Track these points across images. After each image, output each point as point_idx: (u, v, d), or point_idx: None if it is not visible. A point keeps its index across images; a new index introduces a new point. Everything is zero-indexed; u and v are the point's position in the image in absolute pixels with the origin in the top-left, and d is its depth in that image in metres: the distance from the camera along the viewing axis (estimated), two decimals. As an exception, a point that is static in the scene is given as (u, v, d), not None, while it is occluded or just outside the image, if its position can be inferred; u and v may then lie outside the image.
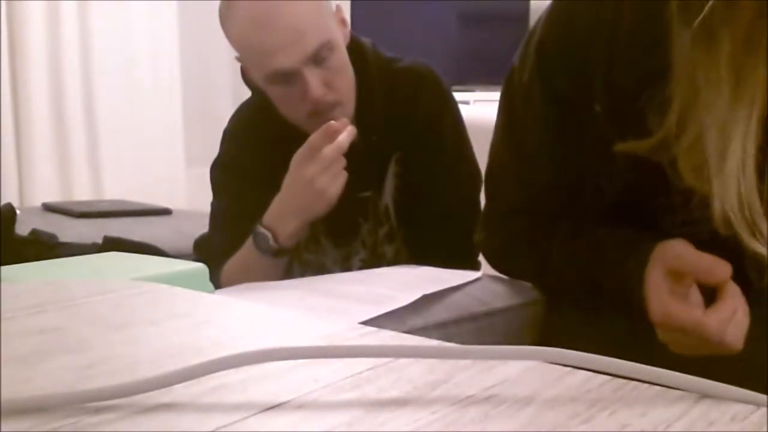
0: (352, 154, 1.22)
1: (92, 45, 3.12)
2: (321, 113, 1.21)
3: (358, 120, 1.27)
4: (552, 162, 0.99)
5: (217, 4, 1.26)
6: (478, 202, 1.36)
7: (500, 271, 1.10)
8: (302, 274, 1.32)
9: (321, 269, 1.34)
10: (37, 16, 2.99)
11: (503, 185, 1.06)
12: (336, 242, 1.33)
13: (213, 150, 1.39)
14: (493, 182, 1.09)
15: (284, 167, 1.21)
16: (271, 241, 1.19)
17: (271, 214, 1.20)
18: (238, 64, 1.30)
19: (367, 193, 1.31)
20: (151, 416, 0.34)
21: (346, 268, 1.34)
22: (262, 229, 1.20)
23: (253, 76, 1.27)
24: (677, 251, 0.86)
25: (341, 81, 1.24)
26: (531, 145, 1.00)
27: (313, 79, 1.19)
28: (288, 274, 1.28)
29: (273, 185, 1.22)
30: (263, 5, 1.18)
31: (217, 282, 1.22)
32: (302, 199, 1.18)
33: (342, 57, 1.24)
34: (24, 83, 2.98)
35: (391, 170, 1.31)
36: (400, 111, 1.29)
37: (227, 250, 1.27)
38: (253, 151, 1.32)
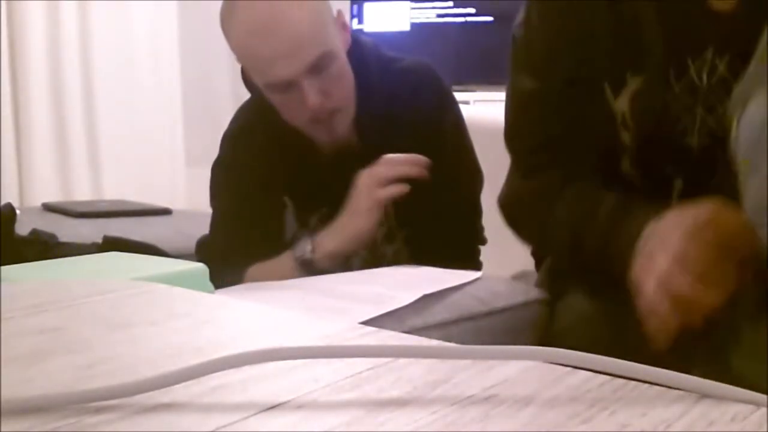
0: (351, 156, 1.22)
1: (92, 45, 3.12)
2: (321, 120, 1.22)
3: (358, 122, 1.27)
4: (569, 109, 1.05)
5: (218, 4, 1.26)
6: (479, 202, 1.36)
7: (510, 225, 1.14)
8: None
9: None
10: (37, 16, 2.99)
11: (524, 137, 1.12)
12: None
13: (213, 150, 1.39)
14: (514, 134, 1.13)
15: (286, 169, 1.21)
16: (308, 252, 1.19)
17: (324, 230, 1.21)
18: (238, 65, 1.30)
19: None
20: (151, 416, 0.34)
21: (347, 268, 1.34)
22: (307, 238, 1.20)
23: (253, 80, 1.27)
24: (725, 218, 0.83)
25: (340, 88, 1.24)
26: (547, 92, 1.06)
27: (311, 89, 1.19)
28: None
29: (274, 187, 1.21)
30: (263, 13, 1.17)
31: (239, 279, 1.22)
32: (359, 225, 1.19)
33: (341, 64, 1.24)
34: (24, 83, 2.98)
35: None
36: (400, 111, 1.29)
37: (228, 252, 1.27)
38: (255, 153, 1.32)
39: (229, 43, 1.24)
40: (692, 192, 0.96)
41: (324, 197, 1.27)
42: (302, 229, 1.31)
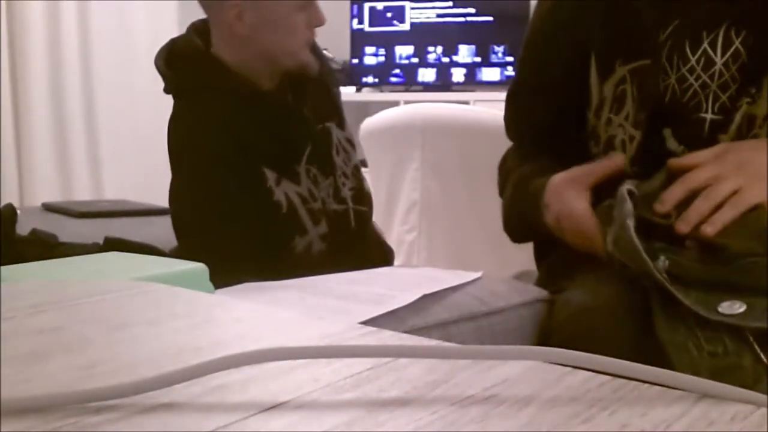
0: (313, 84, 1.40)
1: (92, 45, 3.12)
2: (309, 44, 1.41)
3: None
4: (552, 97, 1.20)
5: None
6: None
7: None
8: (311, 216, 1.37)
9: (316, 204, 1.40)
10: (37, 16, 3.00)
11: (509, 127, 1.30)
12: (321, 172, 1.42)
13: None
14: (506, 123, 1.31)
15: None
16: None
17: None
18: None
19: (329, 124, 1.44)
20: (151, 416, 0.34)
21: (341, 200, 1.41)
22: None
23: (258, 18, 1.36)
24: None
25: None
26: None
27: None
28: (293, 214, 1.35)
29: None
30: None
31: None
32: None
33: None
34: (24, 83, 2.98)
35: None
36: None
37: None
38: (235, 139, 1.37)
39: None
40: None
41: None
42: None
